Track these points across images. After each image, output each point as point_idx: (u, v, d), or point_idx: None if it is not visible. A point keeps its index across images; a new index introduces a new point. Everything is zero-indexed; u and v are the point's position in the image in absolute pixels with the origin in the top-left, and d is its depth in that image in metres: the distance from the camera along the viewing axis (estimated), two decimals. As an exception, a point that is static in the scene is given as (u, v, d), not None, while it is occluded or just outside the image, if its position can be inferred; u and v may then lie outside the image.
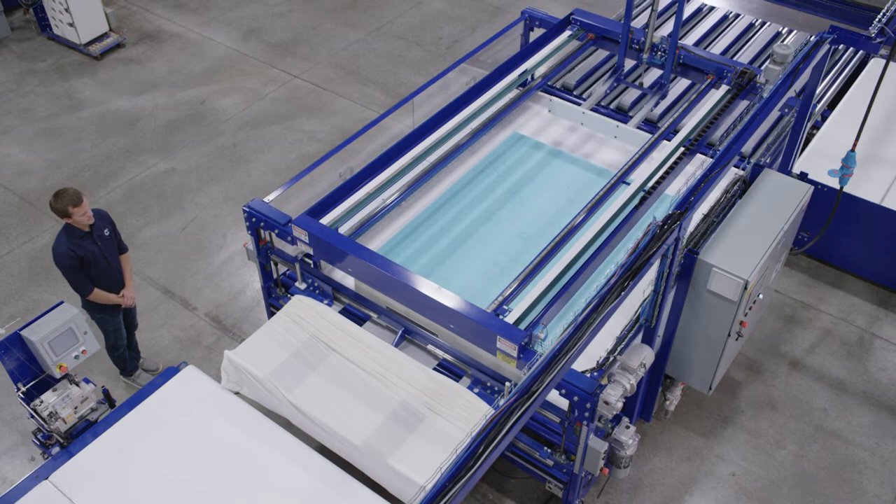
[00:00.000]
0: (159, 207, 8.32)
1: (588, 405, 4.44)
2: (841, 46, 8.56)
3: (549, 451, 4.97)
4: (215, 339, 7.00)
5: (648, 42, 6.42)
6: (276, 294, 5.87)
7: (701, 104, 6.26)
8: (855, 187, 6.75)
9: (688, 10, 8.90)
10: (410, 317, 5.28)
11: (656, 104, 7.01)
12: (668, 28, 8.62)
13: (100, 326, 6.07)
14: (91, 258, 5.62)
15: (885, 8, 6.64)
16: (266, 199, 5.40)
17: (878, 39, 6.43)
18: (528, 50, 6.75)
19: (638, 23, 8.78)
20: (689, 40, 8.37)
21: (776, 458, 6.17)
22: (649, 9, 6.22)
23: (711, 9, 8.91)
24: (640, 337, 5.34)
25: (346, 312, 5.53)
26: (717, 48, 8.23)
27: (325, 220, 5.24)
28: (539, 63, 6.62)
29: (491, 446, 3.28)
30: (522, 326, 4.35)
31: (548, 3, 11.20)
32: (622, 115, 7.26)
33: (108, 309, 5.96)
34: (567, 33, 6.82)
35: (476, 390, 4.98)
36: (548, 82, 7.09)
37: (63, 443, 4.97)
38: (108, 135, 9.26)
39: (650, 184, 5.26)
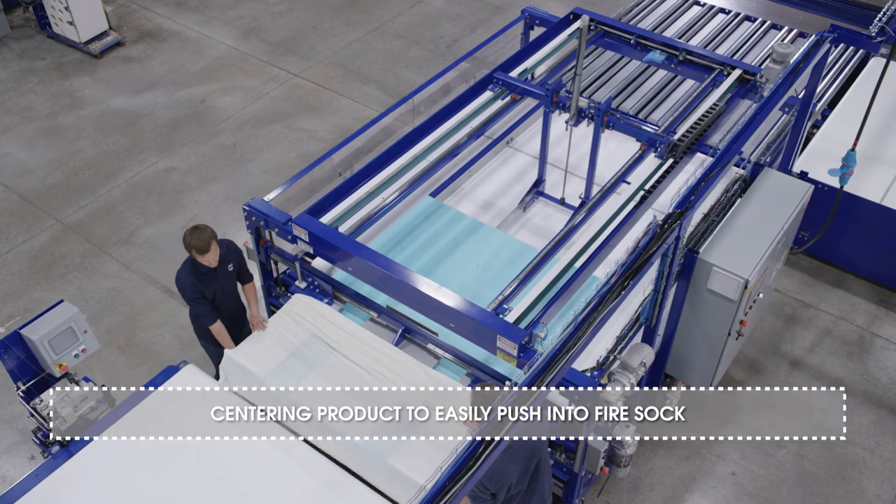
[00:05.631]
0: (159, 206, 8.31)
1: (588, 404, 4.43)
2: (841, 45, 8.55)
3: (549, 449, 4.97)
4: (215, 338, 6.99)
5: (574, 107, 5.58)
6: (276, 293, 5.86)
7: (701, 104, 6.26)
8: (855, 186, 6.74)
9: (690, 12, 8.91)
10: (409, 315, 5.27)
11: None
12: (673, 29, 8.63)
13: (206, 351, 5.90)
14: (209, 295, 5.38)
15: (886, 7, 6.66)
16: (266, 198, 5.40)
17: (879, 38, 6.44)
18: (528, 49, 6.74)
19: (636, 23, 8.79)
20: (690, 40, 8.36)
21: (776, 458, 6.17)
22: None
23: (711, 8, 8.91)
24: (640, 336, 5.34)
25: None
26: (718, 48, 8.23)
27: (325, 218, 5.23)
28: (539, 62, 6.61)
29: (491, 446, 3.27)
30: (523, 326, 4.35)
31: (548, 2, 11.18)
32: (623, 114, 7.27)
33: (213, 340, 5.62)
34: (567, 33, 6.80)
35: (476, 389, 4.97)
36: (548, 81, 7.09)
37: (63, 441, 4.97)
38: (107, 133, 9.26)
39: (650, 183, 5.24)
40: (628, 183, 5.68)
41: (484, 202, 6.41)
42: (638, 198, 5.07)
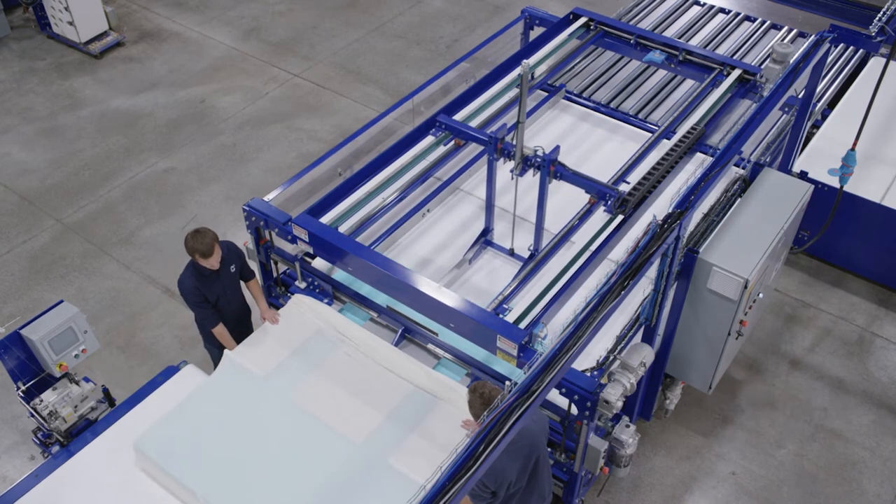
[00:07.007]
0: (159, 206, 8.31)
1: (588, 404, 4.43)
2: (841, 45, 8.55)
3: (549, 449, 4.97)
4: (215, 338, 6.99)
5: (518, 157, 5.16)
6: (276, 293, 5.87)
7: (701, 103, 6.25)
8: (855, 186, 6.74)
9: (690, 12, 8.91)
10: (409, 315, 5.27)
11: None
12: (673, 29, 8.63)
13: (209, 354, 5.89)
14: (213, 298, 5.40)
15: (886, 7, 6.65)
16: (266, 198, 5.40)
17: (879, 38, 6.43)
18: (528, 49, 6.74)
19: (636, 23, 8.79)
20: (690, 40, 8.37)
21: (776, 458, 6.17)
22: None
23: (711, 8, 8.91)
24: (640, 336, 5.33)
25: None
26: (718, 48, 8.24)
27: (325, 218, 5.24)
28: (539, 62, 6.61)
29: (491, 446, 3.27)
30: (523, 326, 4.35)
31: (548, 2, 11.19)
32: (622, 114, 7.29)
33: (218, 343, 5.61)
34: (567, 32, 6.80)
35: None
36: (548, 81, 7.09)
37: (63, 442, 4.97)
38: (107, 134, 9.26)
39: (600, 239, 4.97)
40: (628, 183, 5.62)
41: (427, 253, 5.99)
42: (588, 253, 4.79)
